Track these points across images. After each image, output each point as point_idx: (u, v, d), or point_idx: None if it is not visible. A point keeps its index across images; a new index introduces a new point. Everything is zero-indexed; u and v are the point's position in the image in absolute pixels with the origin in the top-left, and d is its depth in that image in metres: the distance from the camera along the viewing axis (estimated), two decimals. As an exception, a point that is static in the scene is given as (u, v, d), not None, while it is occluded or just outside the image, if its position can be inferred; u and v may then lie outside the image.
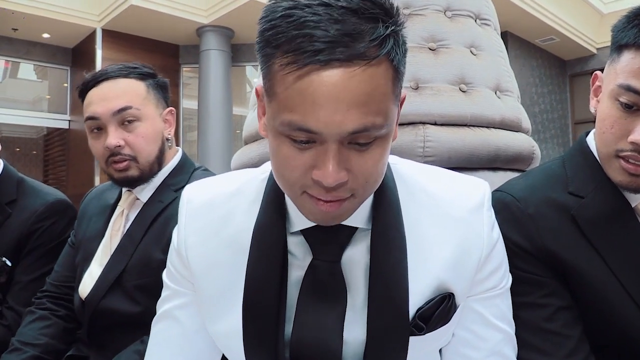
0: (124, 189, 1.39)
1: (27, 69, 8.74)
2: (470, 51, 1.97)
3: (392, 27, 0.65)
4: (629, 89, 0.87)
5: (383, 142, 0.68)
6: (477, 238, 0.80)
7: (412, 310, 0.77)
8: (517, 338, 0.87)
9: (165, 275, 0.93)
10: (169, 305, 0.91)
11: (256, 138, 2.13)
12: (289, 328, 0.79)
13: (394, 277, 0.76)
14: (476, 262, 0.80)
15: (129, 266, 1.27)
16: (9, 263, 1.49)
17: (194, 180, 1.26)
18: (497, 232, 0.84)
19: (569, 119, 10.22)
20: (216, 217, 0.85)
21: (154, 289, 1.20)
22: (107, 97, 1.28)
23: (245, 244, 0.81)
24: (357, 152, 0.67)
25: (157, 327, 0.92)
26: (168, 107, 1.39)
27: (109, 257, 1.30)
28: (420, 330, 0.76)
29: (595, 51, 9.75)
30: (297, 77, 0.63)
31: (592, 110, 0.99)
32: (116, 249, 1.30)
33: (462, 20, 2.01)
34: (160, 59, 8.45)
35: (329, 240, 0.78)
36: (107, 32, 7.87)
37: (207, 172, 1.42)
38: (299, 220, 0.79)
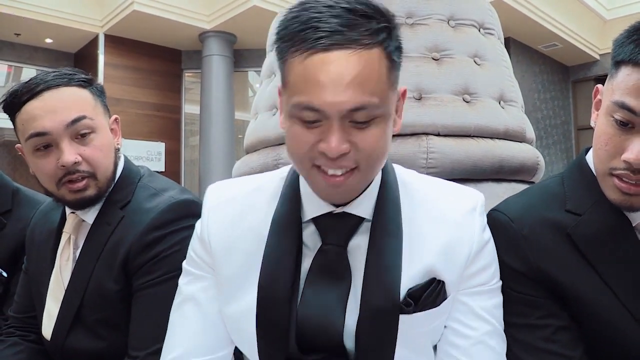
0: (68, 210, 1.25)
1: (30, 73, 8.75)
2: (474, 61, 1.96)
3: (384, 24, 0.78)
4: (623, 106, 0.85)
5: (381, 122, 0.78)
6: (468, 236, 0.88)
7: (403, 291, 0.84)
8: None
9: (185, 264, 0.99)
10: (190, 288, 0.96)
11: (257, 147, 2.11)
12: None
13: (387, 261, 0.84)
14: (466, 256, 0.87)
15: (85, 301, 1.16)
16: (4, 274, 1.47)
17: (140, 192, 1.23)
18: (488, 234, 0.92)
19: (571, 125, 10.19)
20: (236, 211, 0.93)
21: (115, 322, 1.16)
22: (55, 108, 1.12)
23: (263, 234, 0.89)
24: (358, 129, 0.77)
25: (178, 311, 0.96)
26: (111, 114, 1.27)
27: (62, 291, 1.20)
28: (409, 307, 0.83)
29: (598, 57, 9.73)
30: (303, 61, 0.75)
31: (592, 124, 0.97)
32: (69, 283, 1.19)
33: (466, 29, 1.99)
34: (163, 64, 8.46)
35: (337, 227, 0.87)
36: (109, 38, 7.89)
37: (153, 177, 1.30)
38: (311, 209, 0.88)
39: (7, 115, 1.19)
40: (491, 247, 0.92)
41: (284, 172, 0.97)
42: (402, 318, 0.83)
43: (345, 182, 0.80)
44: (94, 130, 1.17)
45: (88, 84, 1.21)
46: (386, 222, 0.86)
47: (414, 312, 0.83)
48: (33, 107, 1.13)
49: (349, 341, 0.85)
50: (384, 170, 0.90)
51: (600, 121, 0.92)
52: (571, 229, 0.93)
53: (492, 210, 1.00)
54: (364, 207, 0.87)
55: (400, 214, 0.88)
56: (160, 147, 8.39)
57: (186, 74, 8.86)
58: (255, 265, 0.88)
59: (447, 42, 1.93)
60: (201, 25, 7.82)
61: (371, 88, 0.75)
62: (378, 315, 0.82)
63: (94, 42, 7.99)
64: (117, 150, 1.25)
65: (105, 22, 7.72)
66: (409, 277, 0.85)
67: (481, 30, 2.06)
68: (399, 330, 0.83)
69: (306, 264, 0.88)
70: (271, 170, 1.91)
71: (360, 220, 0.87)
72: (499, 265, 0.93)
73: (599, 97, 0.97)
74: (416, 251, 0.86)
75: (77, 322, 1.18)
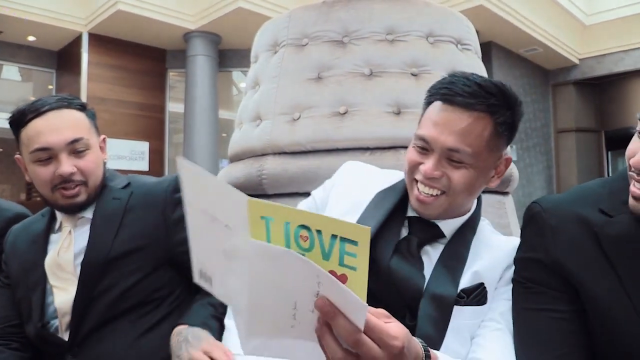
0: (60, 214, 1.42)
1: (11, 70, 8.68)
2: (451, 76, 2.03)
3: (501, 103, 1.04)
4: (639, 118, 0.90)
5: (471, 169, 1.05)
6: (506, 257, 1.11)
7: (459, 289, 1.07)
8: (517, 340, 1.02)
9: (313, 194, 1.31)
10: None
11: (241, 157, 2.17)
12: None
13: (453, 266, 1.08)
14: (500, 270, 1.10)
15: (113, 251, 1.35)
16: None
17: (133, 178, 1.48)
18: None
19: (551, 128, 10.38)
20: (360, 179, 1.24)
21: (149, 253, 1.37)
22: (58, 127, 1.31)
23: (371, 193, 1.17)
24: (452, 166, 1.05)
25: None
26: (99, 135, 1.47)
27: (62, 269, 1.35)
28: (462, 299, 1.05)
29: (577, 62, 9.92)
30: (434, 109, 1.06)
31: None
32: (86, 250, 1.35)
33: (444, 46, 2.07)
34: (147, 63, 8.45)
35: (423, 229, 1.13)
36: (93, 36, 7.86)
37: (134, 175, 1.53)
38: (412, 210, 1.14)
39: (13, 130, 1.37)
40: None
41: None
42: (455, 309, 1.04)
43: (432, 202, 1.07)
44: (88, 148, 1.36)
45: (84, 108, 1.40)
46: (458, 245, 1.11)
47: (465, 305, 1.05)
48: (38, 124, 1.31)
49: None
50: (473, 214, 1.15)
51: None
52: (598, 228, 0.96)
53: (532, 202, 1.08)
54: (448, 226, 1.13)
55: (471, 244, 1.12)
56: (144, 146, 8.38)
57: (170, 73, 8.86)
58: (356, 210, 1.15)
59: (426, 58, 2.00)
60: (186, 25, 7.82)
61: (468, 141, 1.03)
62: (438, 300, 1.03)
63: (77, 40, 7.95)
64: (104, 163, 1.45)
65: (89, 20, 7.69)
66: (464, 281, 1.07)
67: (458, 45, 2.14)
68: (451, 320, 1.03)
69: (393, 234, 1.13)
70: (255, 179, 1.98)
71: (440, 235, 1.12)
72: (523, 255, 1.05)
73: None
74: (472, 266, 1.09)
75: (100, 283, 1.34)
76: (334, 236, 0.69)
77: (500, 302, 1.08)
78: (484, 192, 2.06)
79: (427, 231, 1.13)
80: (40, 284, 1.37)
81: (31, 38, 8.04)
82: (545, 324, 0.98)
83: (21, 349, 1.40)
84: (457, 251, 1.11)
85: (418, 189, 1.08)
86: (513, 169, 2.12)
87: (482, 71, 2.21)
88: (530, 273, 1.01)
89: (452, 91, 1.04)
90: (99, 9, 7.42)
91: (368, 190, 1.20)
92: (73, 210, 1.38)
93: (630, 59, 9.37)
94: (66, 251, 1.37)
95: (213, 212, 0.77)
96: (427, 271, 1.09)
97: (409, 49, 1.99)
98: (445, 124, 1.03)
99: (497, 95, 1.05)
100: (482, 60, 2.36)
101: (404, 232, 1.14)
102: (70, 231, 1.39)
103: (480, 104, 1.03)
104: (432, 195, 1.07)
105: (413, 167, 1.09)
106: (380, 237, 1.12)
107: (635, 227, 0.94)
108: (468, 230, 1.14)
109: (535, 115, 9.93)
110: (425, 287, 1.06)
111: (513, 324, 1.04)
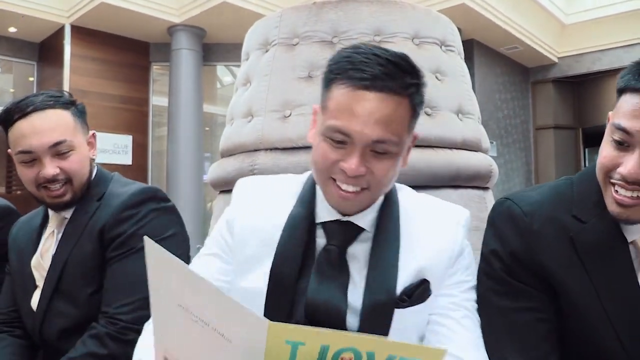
0: (51, 212, 1.47)
1: (-10, 62, 8.57)
2: (436, 77, 2.12)
3: (415, 81, 0.97)
4: (619, 127, 0.94)
5: (393, 157, 0.97)
6: (452, 244, 1.06)
7: (399, 289, 1.01)
8: (494, 338, 1.03)
9: (207, 240, 1.17)
10: (206, 252, 1.14)
11: (233, 152, 2.23)
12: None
13: (387, 265, 1.01)
14: (448, 258, 1.04)
15: (65, 273, 1.37)
16: None
17: (113, 186, 1.46)
18: (466, 242, 1.10)
19: (530, 125, 10.56)
20: (259, 203, 1.11)
21: (90, 290, 1.37)
22: (40, 130, 1.31)
23: (279, 225, 1.05)
24: (375, 158, 0.95)
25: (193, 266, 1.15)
26: (89, 130, 1.47)
27: (44, 269, 1.41)
28: (404, 302, 1.00)
29: (556, 60, 10.10)
30: (345, 94, 0.93)
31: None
32: (51, 262, 1.39)
33: (429, 47, 2.15)
34: (130, 56, 8.40)
35: (340, 232, 1.04)
36: (76, 28, 7.78)
37: (123, 178, 1.53)
38: (323, 214, 1.05)
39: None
40: (468, 253, 1.09)
41: (304, 176, 1.14)
42: (397, 312, 0.99)
43: (355, 198, 0.98)
44: (72, 149, 1.37)
45: (71, 104, 1.40)
46: (386, 235, 1.03)
47: (407, 306, 1.00)
48: (22, 126, 1.32)
49: (352, 322, 1.00)
50: (388, 191, 1.07)
51: (604, 140, 1.01)
52: (574, 233, 1.02)
53: (506, 199, 1.10)
54: (365, 220, 1.04)
55: (399, 228, 1.04)
56: (127, 140, 8.34)
57: (154, 67, 8.82)
58: (268, 251, 1.04)
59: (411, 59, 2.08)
60: (170, 18, 7.80)
61: (393, 128, 0.94)
62: (378, 307, 0.98)
63: (59, 32, 7.86)
64: (92, 160, 1.46)
65: (72, 12, 7.61)
66: (404, 278, 1.01)
67: (442, 47, 2.22)
68: (392, 324, 0.98)
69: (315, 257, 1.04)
70: (247, 174, 2.05)
71: (360, 230, 1.04)
72: (501, 253, 1.05)
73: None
74: (410, 258, 1.02)
75: (57, 290, 1.37)
76: (391, 357, 0.60)
77: (466, 292, 1.06)
78: (463, 187, 2.16)
79: (346, 232, 1.03)
80: (31, 282, 1.44)
81: (12, 29, 7.93)
82: (526, 322, 1.02)
83: (24, 337, 1.46)
84: (385, 247, 1.02)
85: (339, 187, 0.97)
86: (493, 165, 2.22)
87: (464, 74, 2.30)
88: (511, 271, 1.05)
89: (367, 73, 0.91)
90: (82, 1, 7.35)
91: (271, 221, 1.07)
92: (60, 208, 1.42)
93: (607, 59, 9.58)
94: (47, 252, 1.42)
95: (199, 314, 0.69)
96: (359, 273, 1.02)
97: (395, 50, 2.06)
98: (367, 114, 0.91)
99: (411, 72, 0.96)
100: (464, 58, 2.45)
101: (322, 242, 1.05)
102: (53, 231, 1.43)
103: (399, 87, 0.93)
104: (354, 191, 0.97)
105: (330, 166, 0.97)
106: (304, 271, 1.02)
107: (606, 235, 1.01)
108: (389, 206, 1.06)
109: (515, 112, 10.10)
110: (362, 294, 0.99)
111: (487, 320, 1.05)
